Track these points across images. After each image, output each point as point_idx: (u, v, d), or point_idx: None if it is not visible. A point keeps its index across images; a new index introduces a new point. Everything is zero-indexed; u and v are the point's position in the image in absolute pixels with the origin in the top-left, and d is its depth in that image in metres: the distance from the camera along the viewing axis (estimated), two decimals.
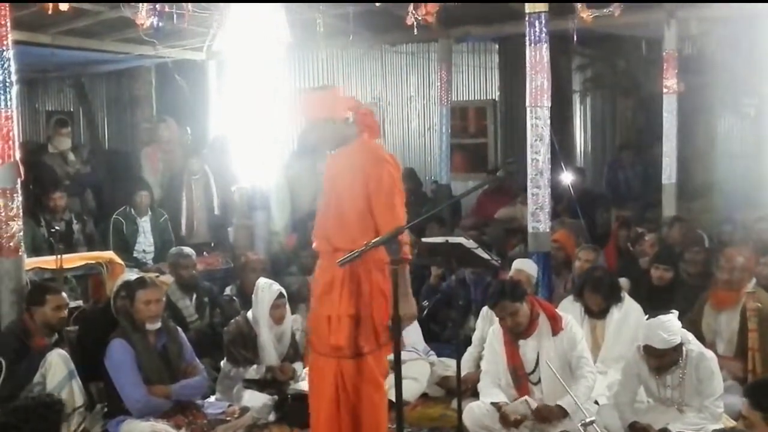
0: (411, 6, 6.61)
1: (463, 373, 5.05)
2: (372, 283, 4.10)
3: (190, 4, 6.82)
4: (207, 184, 8.31)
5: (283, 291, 5.67)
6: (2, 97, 5.03)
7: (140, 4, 6.18)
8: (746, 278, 5.26)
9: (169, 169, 8.28)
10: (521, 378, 4.87)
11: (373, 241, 3.70)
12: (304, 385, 5.39)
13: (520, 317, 4.80)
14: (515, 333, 4.86)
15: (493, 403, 4.81)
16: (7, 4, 5.00)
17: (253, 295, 5.68)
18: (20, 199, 5.18)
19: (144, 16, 6.10)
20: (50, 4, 5.44)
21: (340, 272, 4.04)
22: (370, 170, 4.07)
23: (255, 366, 5.54)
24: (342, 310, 4.08)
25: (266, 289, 5.61)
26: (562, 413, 4.64)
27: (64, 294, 5.08)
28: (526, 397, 4.81)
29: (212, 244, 8.22)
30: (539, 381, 4.85)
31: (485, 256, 4.91)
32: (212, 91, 10.17)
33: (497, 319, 5.34)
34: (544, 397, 4.83)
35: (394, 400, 3.79)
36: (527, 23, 5.70)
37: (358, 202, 4.07)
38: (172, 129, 8.55)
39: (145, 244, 7.66)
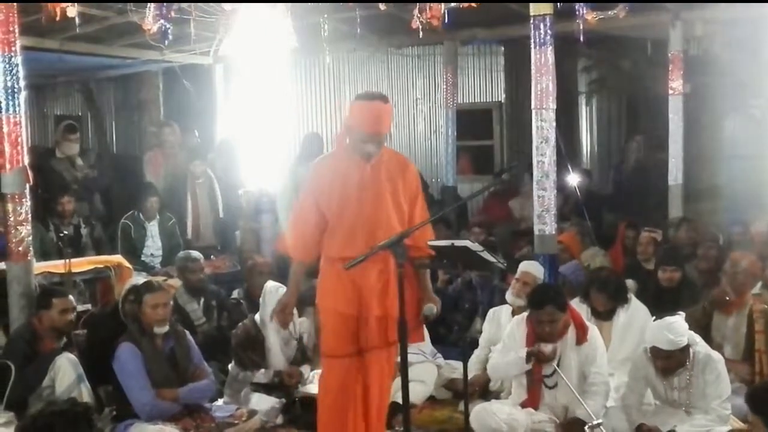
0: (416, 9, 6.62)
1: (470, 376, 5.05)
2: (410, 280, 4.21)
3: (196, 9, 6.85)
4: (211, 187, 8.34)
5: None
6: (10, 103, 5.07)
7: (147, 9, 6.21)
8: (751, 282, 5.24)
9: (172, 173, 8.31)
10: (536, 381, 4.83)
11: (380, 244, 3.76)
12: (311, 388, 5.42)
13: (558, 326, 4.75)
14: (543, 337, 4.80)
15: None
16: (15, 12, 5.04)
17: (260, 298, 5.70)
18: (29, 203, 5.22)
19: (151, 21, 6.13)
20: (58, 10, 5.46)
21: (392, 273, 4.11)
22: (411, 173, 4.30)
23: (263, 370, 5.56)
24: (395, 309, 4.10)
25: (273, 292, 5.61)
26: (581, 425, 4.59)
27: (71, 297, 5.10)
28: (531, 410, 4.79)
29: (218, 248, 8.25)
30: (555, 385, 4.81)
31: (491, 258, 4.91)
32: (219, 95, 10.21)
33: (509, 318, 5.37)
34: (556, 403, 4.82)
35: (400, 402, 3.81)
36: (532, 26, 5.71)
37: (405, 202, 4.23)
38: (176, 133, 8.59)
39: (153, 247, 7.70)
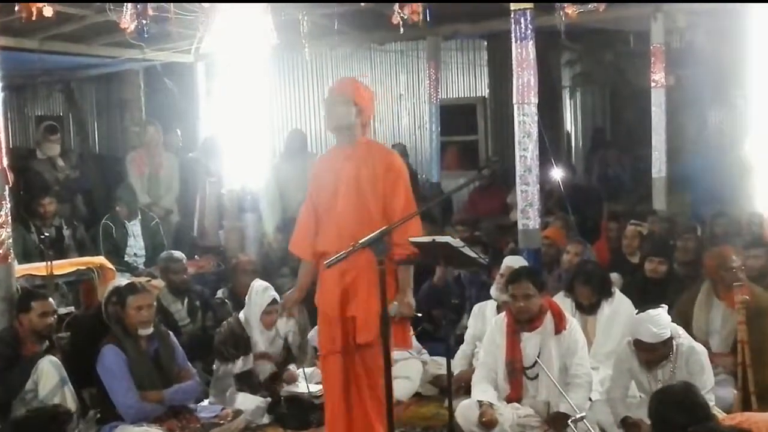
0: (397, 5, 6.60)
1: (455, 372, 5.04)
2: (394, 278, 4.23)
3: (175, 7, 6.79)
4: (221, 186, 8.35)
5: (277, 297, 5.58)
6: None
7: (124, 7, 6.15)
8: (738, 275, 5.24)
9: (155, 172, 8.27)
10: (517, 372, 4.82)
11: (361, 241, 3.71)
12: (297, 387, 5.41)
13: (532, 303, 4.77)
14: (520, 322, 4.81)
15: (479, 401, 4.75)
16: None
17: (246, 296, 5.67)
18: (9, 205, 5.16)
19: (128, 20, 6.07)
20: (34, 10, 5.39)
21: (365, 271, 4.09)
22: (391, 163, 4.24)
23: (242, 358, 5.50)
24: (373, 309, 4.07)
25: (260, 293, 5.59)
26: (566, 419, 4.59)
27: (50, 300, 5.05)
28: (517, 405, 4.78)
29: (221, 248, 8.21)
30: (536, 377, 4.81)
31: (472, 254, 4.89)
32: (201, 93, 10.15)
33: (494, 313, 5.36)
34: (538, 395, 4.82)
35: None
36: (513, 20, 5.69)
37: (377, 197, 4.19)
38: (159, 132, 8.55)
39: (136, 247, 7.63)
